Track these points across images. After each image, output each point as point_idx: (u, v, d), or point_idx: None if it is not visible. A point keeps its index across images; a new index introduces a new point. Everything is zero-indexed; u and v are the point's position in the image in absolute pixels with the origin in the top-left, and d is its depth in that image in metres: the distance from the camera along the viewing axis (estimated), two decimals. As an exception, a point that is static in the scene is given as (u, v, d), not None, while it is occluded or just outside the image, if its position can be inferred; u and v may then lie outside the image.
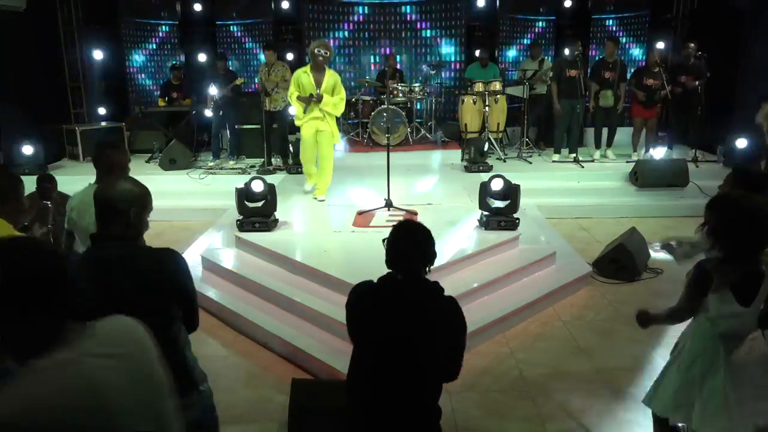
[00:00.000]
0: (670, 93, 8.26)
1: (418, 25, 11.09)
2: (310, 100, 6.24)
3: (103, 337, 1.43)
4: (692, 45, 8.38)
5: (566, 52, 8.53)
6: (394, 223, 2.46)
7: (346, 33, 11.08)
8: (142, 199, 2.19)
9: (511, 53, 11.33)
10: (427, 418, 2.28)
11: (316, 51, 6.15)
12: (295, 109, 6.49)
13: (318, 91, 6.20)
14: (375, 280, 2.32)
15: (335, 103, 6.32)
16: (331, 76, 6.27)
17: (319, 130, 6.37)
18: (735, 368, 2.45)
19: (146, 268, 2.14)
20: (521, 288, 5.03)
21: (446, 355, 2.26)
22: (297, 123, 6.50)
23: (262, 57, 9.03)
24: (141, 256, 2.18)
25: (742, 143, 7.91)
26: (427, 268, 2.30)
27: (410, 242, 2.30)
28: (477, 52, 10.25)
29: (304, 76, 6.25)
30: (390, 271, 2.30)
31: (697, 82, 8.22)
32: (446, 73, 11.14)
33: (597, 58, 9.67)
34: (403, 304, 2.22)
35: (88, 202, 3.29)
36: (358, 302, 2.32)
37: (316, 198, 6.58)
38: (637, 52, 11.21)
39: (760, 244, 2.39)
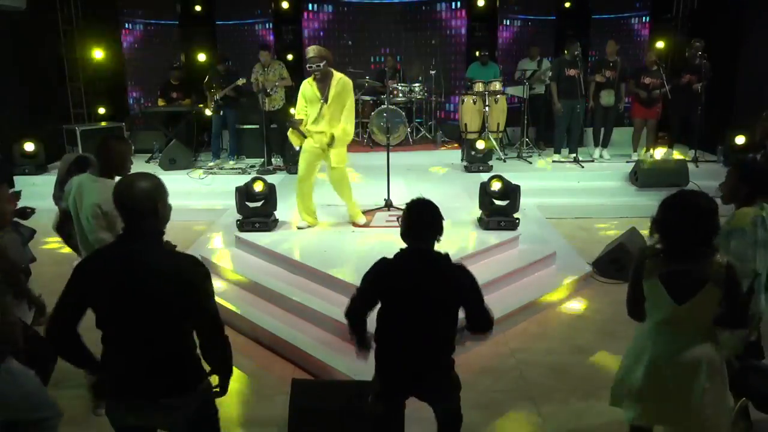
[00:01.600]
0: (670, 92, 8.26)
1: (418, 25, 11.09)
2: (297, 128, 5.42)
3: None
4: (698, 44, 8.26)
5: (565, 51, 8.53)
6: (400, 212, 2.75)
7: (346, 33, 11.07)
8: (163, 189, 2.26)
9: (511, 53, 11.32)
10: (441, 360, 2.67)
11: (308, 67, 5.29)
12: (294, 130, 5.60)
13: (323, 101, 5.32)
14: (392, 257, 2.63)
15: (341, 133, 5.38)
16: (338, 83, 5.32)
17: (323, 149, 5.42)
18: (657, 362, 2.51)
19: (167, 270, 2.17)
20: (521, 288, 5.03)
21: (472, 312, 2.62)
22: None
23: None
24: (164, 256, 2.23)
25: (740, 140, 7.91)
26: (439, 238, 2.64)
27: (428, 216, 2.64)
28: (477, 52, 10.26)
29: (307, 87, 5.40)
30: (403, 247, 2.63)
31: (699, 85, 8.19)
32: (446, 73, 11.13)
33: (595, 58, 9.67)
34: (427, 271, 2.55)
35: (87, 186, 3.41)
36: (386, 276, 2.63)
37: (356, 223, 5.77)
38: (637, 52, 11.20)
39: (695, 241, 2.40)
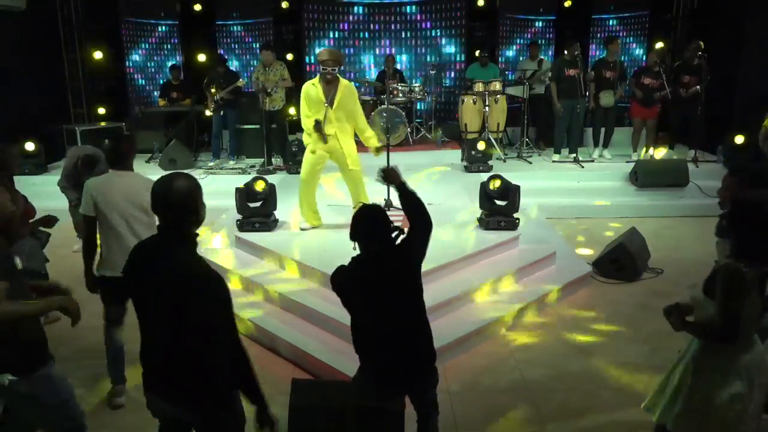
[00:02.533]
0: (670, 93, 8.26)
1: (418, 25, 11.09)
2: (320, 130, 5.33)
3: None
4: (694, 45, 8.26)
5: (565, 52, 8.53)
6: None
7: (346, 33, 11.07)
8: (200, 188, 2.28)
9: (511, 53, 11.33)
10: (427, 351, 2.74)
11: (323, 69, 5.23)
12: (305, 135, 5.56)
13: (327, 105, 5.25)
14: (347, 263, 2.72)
15: (373, 138, 5.57)
16: (345, 89, 5.31)
17: (333, 152, 5.44)
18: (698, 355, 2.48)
19: (192, 279, 2.13)
20: (521, 288, 5.03)
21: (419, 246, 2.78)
22: (305, 143, 5.59)
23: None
24: (193, 263, 2.18)
25: (740, 140, 7.91)
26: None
27: (374, 221, 2.73)
28: (477, 52, 10.26)
29: (311, 89, 5.33)
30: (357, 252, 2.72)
31: (698, 87, 8.18)
32: (447, 72, 11.14)
33: (597, 58, 9.67)
34: (386, 268, 2.66)
35: (110, 183, 3.52)
36: (348, 282, 2.70)
37: None
38: (637, 52, 11.21)
39: None
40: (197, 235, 2.27)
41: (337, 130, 5.35)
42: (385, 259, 2.68)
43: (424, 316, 2.77)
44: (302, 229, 5.69)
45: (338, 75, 5.35)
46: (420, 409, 2.88)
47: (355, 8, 11.02)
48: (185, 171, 2.34)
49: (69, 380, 2.70)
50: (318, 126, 5.31)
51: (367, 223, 2.72)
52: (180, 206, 2.16)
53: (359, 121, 5.49)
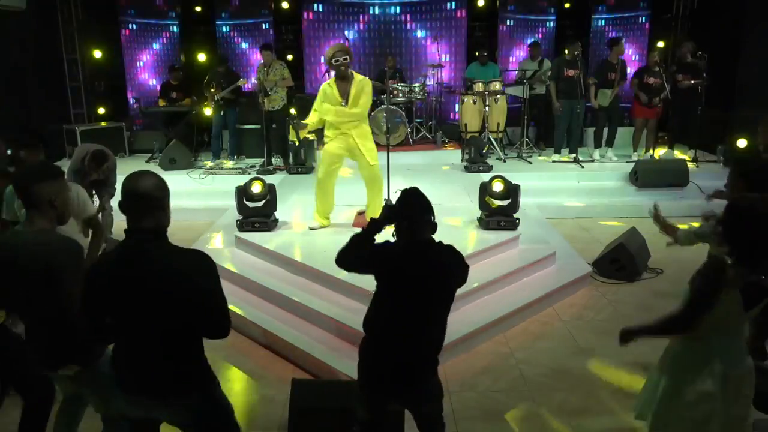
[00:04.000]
0: (670, 93, 8.26)
1: (418, 25, 11.09)
2: (297, 129, 5.39)
3: None
4: (688, 43, 8.36)
5: (566, 51, 8.54)
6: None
7: (346, 33, 11.07)
8: (166, 185, 2.25)
9: (511, 53, 11.32)
10: (430, 352, 2.60)
11: (333, 62, 5.09)
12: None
13: (343, 104, 5.21)
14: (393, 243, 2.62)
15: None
16: (358, 84, 5.21)
17: (350, 149, 5.36)
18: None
19: (178, 267, 2.17)
20: (521, 288, 5.03)
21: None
22: (326, 139, 5.45)
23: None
24: (174, 254, 2.20)
25: (742, 143, 7.91)
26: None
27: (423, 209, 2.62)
28: (476, 52, 10.27)
29: (328, 89, 5.26)
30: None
31: (692, 81, 8.21)
32: (447, 73, 11.14)
33: (598, 58, 9.67)
34: (428, 260, 2.54)
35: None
36: (388, 260, 2.57)
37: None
38: (637, 52, 11.20)
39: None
40: (164, 229, 2.26)
41: (353, 128, 5.29)
42: (436, 251, 2.58)
43: (438, 327, 2.60)
44: (311, 229, 5.64)
45: (353, 71, 5.27)
46: (420, 425, 2.70)
47: (355, 8, 11.02)
48: (151, 171, 2.32)
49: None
50: (297, 125, 5.39)
51: (420, 201, 2.62)
52: (149, 204, 2.16)
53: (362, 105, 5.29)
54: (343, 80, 5.20)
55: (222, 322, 2.24)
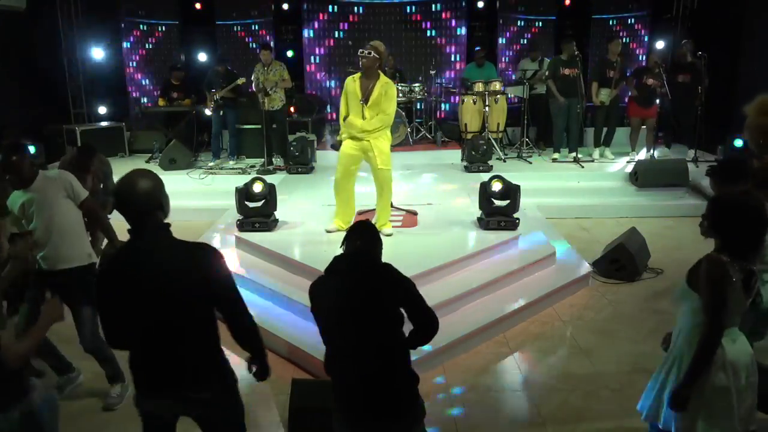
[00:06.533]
0: (669, 93, 8.26)
1: (418, 25, 11.09)
2: (338, 147, 5.22)
3: None
4: (683, 49, 8.39)
5: (562, 51, 8.55)
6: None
7: (346, 33, 11.07)
8: (162, 182, 2.27)
9: (511, 53, 11.33)
10: (401, 384, 2.44)
11: (359, 53, 4.97)
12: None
13: (362, 102, 5.02)
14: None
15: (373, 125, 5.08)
16: (382, 87, 4.98)
17: (365, 151, 5.20)
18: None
19: (185, 262, 2.19)
20: (521, 288, 5.03)
21: (410, 311, 2.41)
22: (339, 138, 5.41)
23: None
24: (179, 249, 2.23)
25: (738, 143, 7.92)
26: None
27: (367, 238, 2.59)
28: (474, 53, 10.26)
29: (351, 84, 5.08)
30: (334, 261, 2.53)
31: (689, 78, 8.20)
32: (447, 73, 11.14)
33: (598, 58, 9.67)
34: (353, 282, 2.42)
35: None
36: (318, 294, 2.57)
37: (381, 232, 4.99)
38: (637, 52, 11.21)
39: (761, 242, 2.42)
40: (168, 225, 2.28)
41: (371, 130, 5.11)
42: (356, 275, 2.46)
43: (393, 345, 2.45)
44: (328, 231, 5.49)
45: (378, 71, 5.07)
46: None
47: (355, 8, 11.02)
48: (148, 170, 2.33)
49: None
50: (336, 146, 5.20)
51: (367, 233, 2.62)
52: (148, 204, 2.18)
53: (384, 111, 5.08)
54: (368, 77, 5.03)
55: (236, 306, 2.33)
